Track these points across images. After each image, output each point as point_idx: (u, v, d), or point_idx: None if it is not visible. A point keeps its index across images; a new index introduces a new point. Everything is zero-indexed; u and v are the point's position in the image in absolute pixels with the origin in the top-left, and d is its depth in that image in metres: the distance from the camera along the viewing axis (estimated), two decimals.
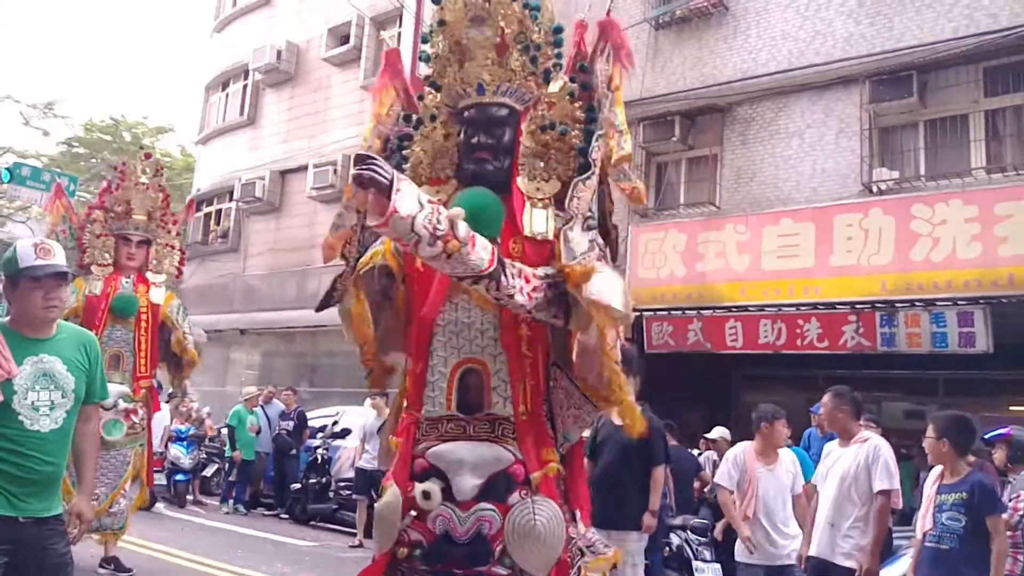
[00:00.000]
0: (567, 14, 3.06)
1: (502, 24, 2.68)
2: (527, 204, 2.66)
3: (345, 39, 15.42)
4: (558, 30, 2.79)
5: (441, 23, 2.73)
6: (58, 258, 2.83)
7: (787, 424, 6.97)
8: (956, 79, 9.06)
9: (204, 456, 12.06)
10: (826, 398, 4.91)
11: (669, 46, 11.16)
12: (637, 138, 10.97)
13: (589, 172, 2.63)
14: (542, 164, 2.73)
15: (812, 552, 4.76)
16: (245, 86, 17.97)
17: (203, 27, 21.41)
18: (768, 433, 5.28)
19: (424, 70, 2.94)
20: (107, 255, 5.64)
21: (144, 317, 5.51)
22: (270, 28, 17.15)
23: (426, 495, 2.48)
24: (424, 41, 2.88)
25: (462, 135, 2.76)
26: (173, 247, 5.95)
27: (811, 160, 9.82)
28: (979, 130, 9.01)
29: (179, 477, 11.47)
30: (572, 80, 2.81)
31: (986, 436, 5.75)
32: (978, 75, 8.98)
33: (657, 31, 11.22)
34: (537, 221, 2.63)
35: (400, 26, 13.76)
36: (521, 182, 2.69)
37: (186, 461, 11.48)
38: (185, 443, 11.60)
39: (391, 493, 2.57)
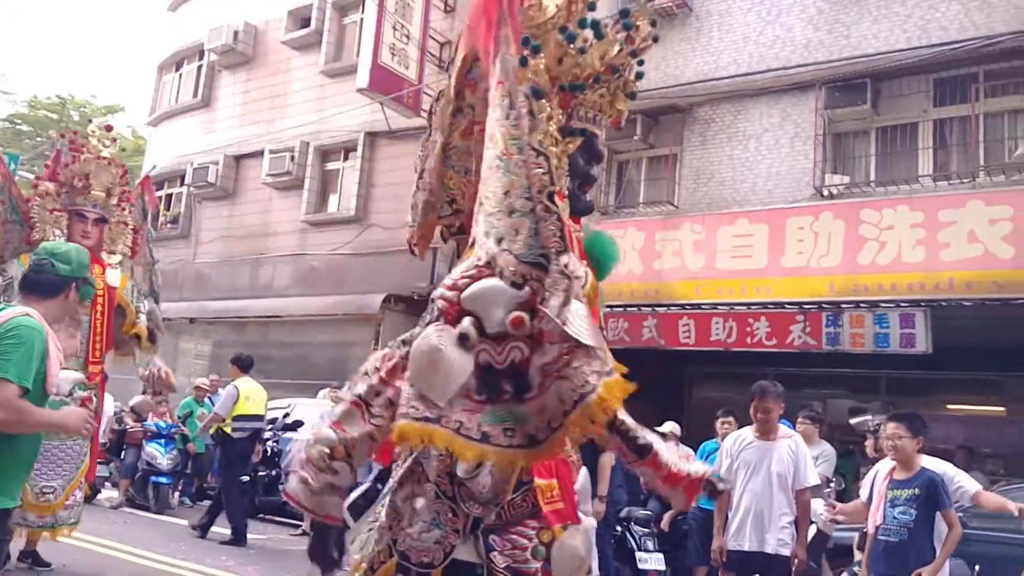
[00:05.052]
0: None
1: (607, 53, 2.62)
2: None
3: (306, 22, 15.13)
4: None
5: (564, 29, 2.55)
6: None
7: (735, 421, 7.14)
8: (908, 88, 9.32)
9: None
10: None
11: None
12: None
13: None
14: None
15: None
16: (200, 67, 17.46)
17: (157, 4, 20.84)
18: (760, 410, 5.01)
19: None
20: (59, 232, 5.27)
21: (100, 300, 5.17)
22: (227, 8, 16.70)
23: None
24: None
25: (576, 156, 2.55)
26: (126, 224, 5.65)
27: (767, 163, 9.99)
28: (927, 138, 9.28)
29: (162, 480, 10.07)
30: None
31: None
32: (928, 85, 9.25)
33: None
34: None
35: (363, 11, 13.55)
36: None
37: (164, 462, 10.09)
38: (163, 441, 10.27)
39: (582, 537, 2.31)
